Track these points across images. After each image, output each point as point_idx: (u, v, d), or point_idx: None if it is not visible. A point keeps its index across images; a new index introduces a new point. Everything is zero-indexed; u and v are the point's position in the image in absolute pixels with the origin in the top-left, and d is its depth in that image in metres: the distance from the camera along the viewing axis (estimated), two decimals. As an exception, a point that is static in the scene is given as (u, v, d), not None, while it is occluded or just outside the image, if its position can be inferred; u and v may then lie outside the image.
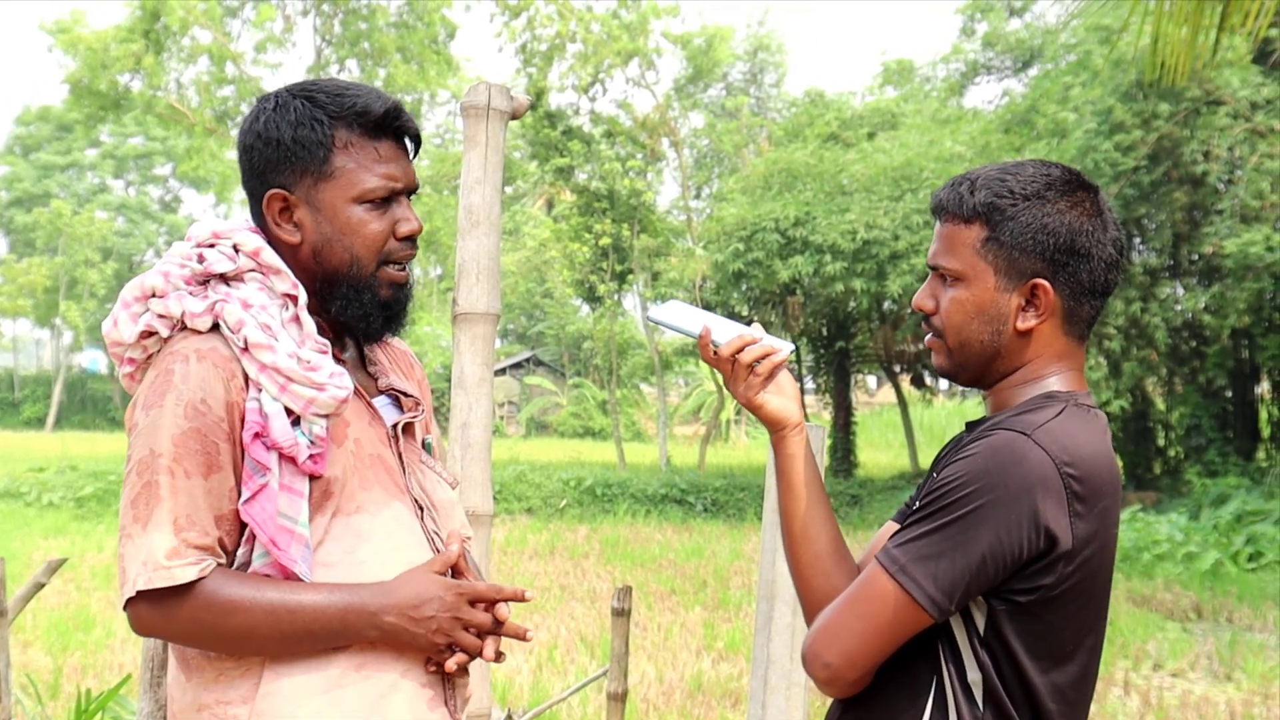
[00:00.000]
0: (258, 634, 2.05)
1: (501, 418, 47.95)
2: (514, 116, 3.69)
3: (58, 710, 7.78)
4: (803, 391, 32.78)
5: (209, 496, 2.07)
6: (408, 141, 2.29)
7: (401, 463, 2.31)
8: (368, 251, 2.23)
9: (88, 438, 40.29)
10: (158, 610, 2.04)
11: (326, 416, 2.14)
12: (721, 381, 2.24)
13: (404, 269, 2.30)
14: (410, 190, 2.28)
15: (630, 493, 24.53)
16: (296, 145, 2.20)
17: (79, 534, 18.75)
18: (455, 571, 2.24)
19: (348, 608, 2.08)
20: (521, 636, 2.22)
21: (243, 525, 2.11)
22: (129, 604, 2.06)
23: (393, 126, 2.25)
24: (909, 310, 22.05)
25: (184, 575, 2.02)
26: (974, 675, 2.04)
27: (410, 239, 2.28)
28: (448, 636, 2.14)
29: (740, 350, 2.23)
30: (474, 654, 2.17)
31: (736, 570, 15.96)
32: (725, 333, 2.26)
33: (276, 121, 2.21)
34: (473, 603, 2.17)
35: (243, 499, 2.08)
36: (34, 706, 6.56)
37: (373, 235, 2.22)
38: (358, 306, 2.25)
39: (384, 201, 2.23)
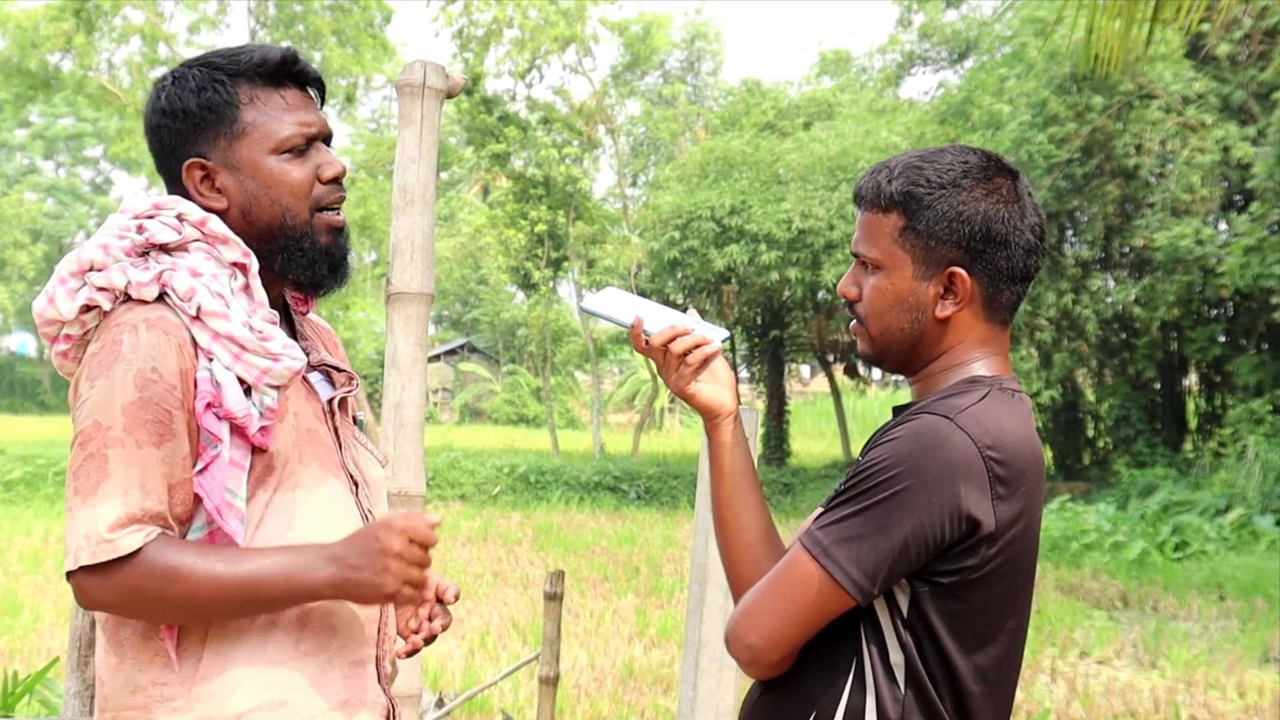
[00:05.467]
0: (201, 600, 1.99)
1: (435, 404, 47.78)
2: (449, 95, 3.67)
3: (-18, 695, 7.66)
4: (737, 380, 32.86)
5: (162, 465, 2.01)
6: (312, 91, 2.27)
7: (337, 438, 2.28)
8: (295, 200, 2.19)
9: (15, 421, 39.80)
10: (100, 581, 1.98)
11: (279, 388, 2.10)
12: (655, 370, 2.23)
13: (338, 212, 2.27)
14: (325, 137, 2.25)
15: (564, 480, 24.54)
16: (204, 110, 2.17)
17: (6, 518, 18.53)
18: None
19: (291, 566, 2.02)
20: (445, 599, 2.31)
21: (197, 496, 2.06)
22: (71, 576, 2.00)
23: (293, 73, 2.23)
24: (842, 300, 22.23)
25: (126, 545, 1.96)
26: (896, 656, 2.03)
27: (336, 181, 2.25)
28: (393, 575, 2.03)
29: (672, 340, 2.21)
30: (421, 586, 2.08)
31: (669, 558, 16.00)
32: (658, 322, 2.23)
33: (178, 93, 2.19)
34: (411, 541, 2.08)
35: (196, 469, 2.03)
36: (-43, 690, 6.48)
37: (297, 183, 2.19)
38: (300, 256, 2.21)
39: (303, 151, 2.21)
